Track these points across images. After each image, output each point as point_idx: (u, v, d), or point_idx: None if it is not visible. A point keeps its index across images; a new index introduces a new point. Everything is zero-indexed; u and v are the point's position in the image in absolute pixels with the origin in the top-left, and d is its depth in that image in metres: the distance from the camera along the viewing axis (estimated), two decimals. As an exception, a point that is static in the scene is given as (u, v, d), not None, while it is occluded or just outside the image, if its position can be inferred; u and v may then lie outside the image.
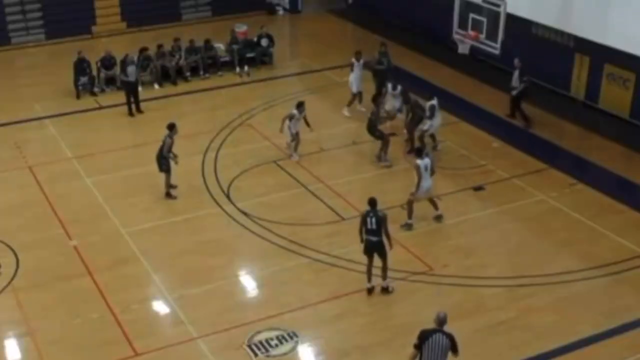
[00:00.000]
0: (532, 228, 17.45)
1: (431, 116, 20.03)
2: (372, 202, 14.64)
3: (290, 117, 20.00)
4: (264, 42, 27.02)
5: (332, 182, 19.06)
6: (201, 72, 25.83)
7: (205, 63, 25.99)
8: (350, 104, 22.86)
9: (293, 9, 33.53)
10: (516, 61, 22.08)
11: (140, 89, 24.11)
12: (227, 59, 26.52)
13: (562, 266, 15.93)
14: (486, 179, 19.33)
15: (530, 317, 14.48)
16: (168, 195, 18.29)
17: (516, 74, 22.11)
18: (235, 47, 26.52)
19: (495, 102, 23.45)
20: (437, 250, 16.54)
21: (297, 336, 13.94)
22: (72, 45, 26.71)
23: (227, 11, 31.47)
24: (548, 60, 24.14)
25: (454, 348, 11.41)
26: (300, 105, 20.22)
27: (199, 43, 26.29)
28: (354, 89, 22.83)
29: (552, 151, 20.93)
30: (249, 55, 26.78)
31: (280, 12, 33.46)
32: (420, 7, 28.83)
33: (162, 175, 18.26)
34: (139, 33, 29.75)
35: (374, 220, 14.50)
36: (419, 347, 11.42)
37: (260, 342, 13.77)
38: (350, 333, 14.12)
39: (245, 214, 17.76)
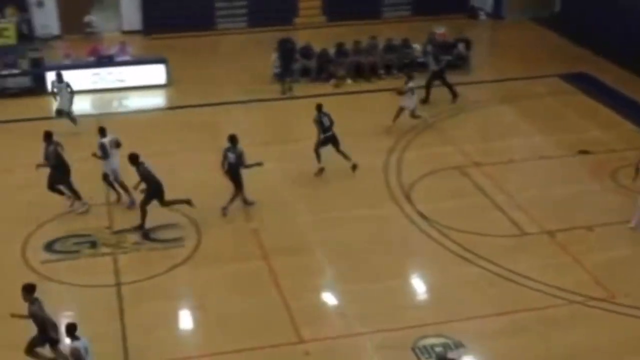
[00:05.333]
0: None
1: None
2: None
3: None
4: (461, 46, 26.63)
5: (517, 195, 18.44)
6: (394, 71, 25.82)
7: (401, 62, 25.95)
8: None
9: (496, 14, 32.77)
10: (429, 47, 24.66)
11: (333, 81, 24.92)
12: (422, 59, 26.36)
13: None
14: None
15: None
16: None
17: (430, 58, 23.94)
18: (431, 48, 26.30)
19: None
20: (622, 276, 15.56)
21: (463, 346, 13.58)
22: (273, 35, 27.48)
23: (427, 12, 31.22)
24: None
25: None
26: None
27: (397, 42, 26.31)
28: None
29: None
30: (445, 58, 26.44)
31: (482, 16, 32.82)
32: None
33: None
34: (338, 28, 30.13)
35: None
36: None
37: (425, 347, 13.55)
38: (518, 351, 13.60)
39: (423, 217, 17.56)
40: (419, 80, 22.65)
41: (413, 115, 21.50)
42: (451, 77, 25.67)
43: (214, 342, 13.78)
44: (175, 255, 16.13)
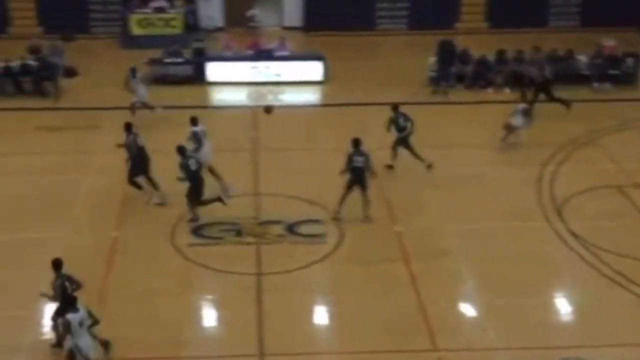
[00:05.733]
0: None
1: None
2: None
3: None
4: (630, 61, 25.41)
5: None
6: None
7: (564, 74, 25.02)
8: None
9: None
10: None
11: (507, 90, 24.67)
12: (587, 72, 25.30)
13: None
14: None
15: None
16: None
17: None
18: (597, 61, 25.23)
19: None
20: None
21: (605, 374, 12.91)
22: (432, 38, 27.10)
23: (596, 22, 29.87)
24: None
25: None
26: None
27: (561, 52, 25.44)
28: None
29: None
30: (612, 72, 25.32)
31: (658, 30, 31.08)
32: None
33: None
34: (500, 35, 29.34)
35: None
36: None
37: (564, 371, 12.97)
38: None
39: (574, 235, 16.79)
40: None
41: (509, 131, 20.58)
42: (618, 93, 24.58)
43: (346, 341, 13.71)
44: (316, 251, 16.17)
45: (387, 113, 19.24)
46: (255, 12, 30.26)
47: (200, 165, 17.03)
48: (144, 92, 21.98)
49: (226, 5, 30.88)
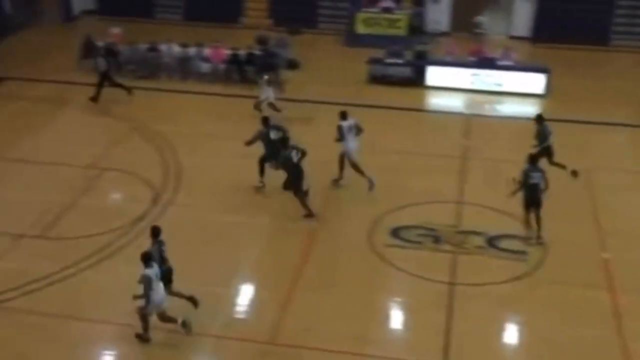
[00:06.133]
0: None
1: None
2: None
3: None
4: None
5: None
6: None
7: None
8: None
9: None
10: None
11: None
12: None
13: None
14: None
15: None
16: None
17: None
18: None
19: None
20: None
21: None
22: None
23: None
24: None
25: None
26: None
27: None
28: None
29: None
30: None
31: None
32: None
33: None
34: None
35: None
36: None
37: None
38: None
39: None
40: None
41: None
42: None
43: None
44: (515, 268, 15.53)
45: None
46: (483, 19, 29.68)
47: (299, 156, 17.03)
48: (267, 93, 22.29)
49: (454, 9, 30.53)
